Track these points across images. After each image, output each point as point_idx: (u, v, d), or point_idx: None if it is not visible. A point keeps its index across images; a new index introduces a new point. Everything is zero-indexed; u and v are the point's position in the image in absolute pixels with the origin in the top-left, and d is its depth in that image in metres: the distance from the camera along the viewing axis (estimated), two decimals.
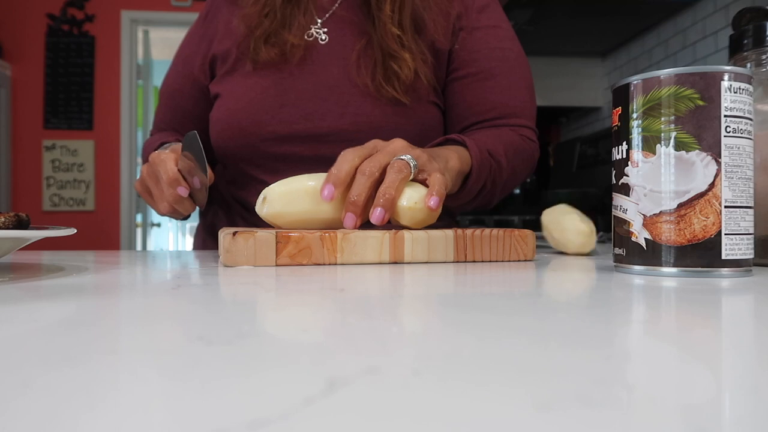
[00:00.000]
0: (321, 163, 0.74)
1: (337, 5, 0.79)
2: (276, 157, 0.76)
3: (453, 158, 0.65)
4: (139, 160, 3.77)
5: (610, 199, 0.47)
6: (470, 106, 0.80)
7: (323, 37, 0.78)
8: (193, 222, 5.70)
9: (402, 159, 0.55)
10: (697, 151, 0.41)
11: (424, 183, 0.57)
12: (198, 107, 0.84)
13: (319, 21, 0.78)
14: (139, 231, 3.83)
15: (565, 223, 0.62)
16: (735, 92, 0.41)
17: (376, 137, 0.73)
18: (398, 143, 0.58)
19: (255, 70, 0.77)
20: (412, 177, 0.55)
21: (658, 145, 0.42)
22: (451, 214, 0.87)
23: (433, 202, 0.53)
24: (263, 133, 0.76)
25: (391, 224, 0.57)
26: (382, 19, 0.74)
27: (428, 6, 0.78)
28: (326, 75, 0.76)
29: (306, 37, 0.77)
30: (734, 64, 0.55)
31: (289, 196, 0.54)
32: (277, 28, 0.75)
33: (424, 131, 0.79)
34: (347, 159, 0.55)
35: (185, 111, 0.85)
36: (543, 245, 0.75)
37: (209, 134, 0.82)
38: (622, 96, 0.45)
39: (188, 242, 5.57)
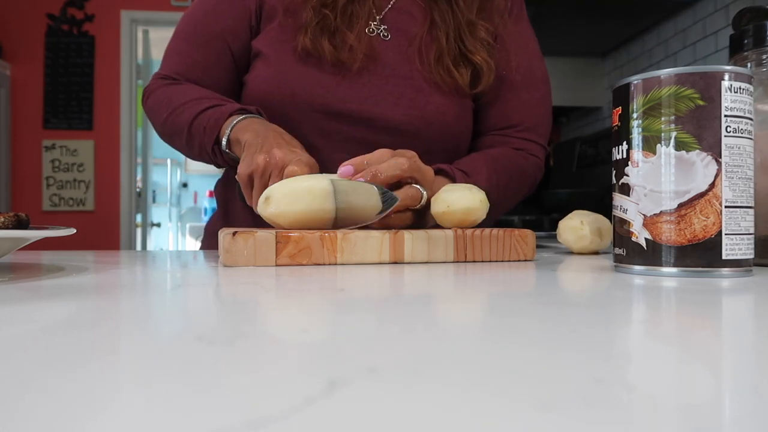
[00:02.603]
0: (363, 147, 0.73)
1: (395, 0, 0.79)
2: (321, 132, 0.75)
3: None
4: (139, 159, 3.79)
5: (610, 199, 0.47)
6: (488, 113, 0.83)
7: (384, 34, 0.78)
8: (195, 222, 5.70)
9: (418, 189, 0.59)
10: (698, 151, 0.41)
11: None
12: (243, 54, 0.79)
13: (378, 17, 0.78)
14: (139, 231, 3.83)
15: (571, 223, 0.63)
16: (735, 92, 0.41)
17: (424, 131, 0.76)
18: (430, 171, 0.61)
19: (307, 52, 0.75)
20: (416, 207, 0.59)
21: (659, 145, 0.42)
22: None
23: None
24: (315, 105, 0.74)
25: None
26: (457, 5, 0.77)
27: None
28: (384, 68, 0.77)
29: (368, 32, 0.77)
30: (734, 64, 0.54)
31: (292, 196, 0.54)
32: (338, 24, 0.74)
33: (464, 132, 0.81)
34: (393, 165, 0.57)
35: (229, 57, 0.78)
36: (545, 245, 0.75)
37: (232, 91, 0.79)
38: (622, 96, 0.45)
39: (188, 242, 5.56)
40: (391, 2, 0.79)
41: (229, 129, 0.69)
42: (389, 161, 0.57)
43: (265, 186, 0.62)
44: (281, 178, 0.59)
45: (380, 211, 0.55)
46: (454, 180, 0.71)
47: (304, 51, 0.74)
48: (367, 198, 0.55)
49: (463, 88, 0.77)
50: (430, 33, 0.78)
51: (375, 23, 0.78)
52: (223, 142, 0.69)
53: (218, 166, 0.77)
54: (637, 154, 0.43)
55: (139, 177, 3.82)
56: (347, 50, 0.74)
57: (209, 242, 0.87)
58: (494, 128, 0.83)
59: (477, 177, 0.73)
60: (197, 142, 0.73)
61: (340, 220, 0.55)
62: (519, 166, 0.80)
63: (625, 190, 0.44)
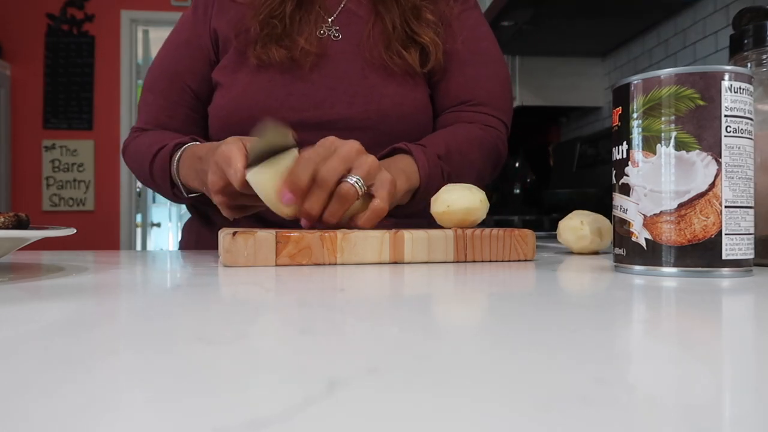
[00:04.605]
0: None
1: (344, 3, 0.81)
2: None
3: (401, 179, 0.65)
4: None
5: (610, 199, 0.47)
6: (439, 94, 0.84)
7: (335, 35, 0.80)
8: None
9: (349, 182, 0.55)
10: (698, 151, 0.41)
11: (371, 194, 0.58)
12: (203, 88, 0.82)
13: (330, 19, 0.80)
14: (139, 231, 3.83)
15: (571, 223, 0.63)
16: (735, 92, 0.41)
17: (383, 125, 0.77)
18: (353, 146, 0.57)
19: (261, 65, 0.77)
20: (358, 198, 0.56)
21: (659, 145, 0.42)
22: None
23: (364, 221, 0.56)
24: (273, 118, 0.75)
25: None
26: None
27: None
28: (336, 68, 0.78)
29: (318, 35, 0.79)
30: (734, 64, 0.54)
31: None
32: (286, 31, 0.76)
33: (424, 121, 0.82)
34: (307, 166, 0.54)
35: (190, 94, 0.82)
36: (545, 245, 0.75)
37: (200, 125, 0.82)
38: (622, 96, 0.45)
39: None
40: (341, 6, 0.81)
41: (177, 177, 0.72)
42: (316, 195, 0.54)
43: (240, 199, 0.60)
44: (233, 174, 0.56)
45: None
46: (411, 154, 0.70)
47: (257, 60, 0.76)
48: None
49: (414, 68, 0.78)
50: (377, 25, 0.79)
51: (327, 25, 0.80)
52: (182, 189, 0.73)
53: (184, 202, 0.80)
54: (637, 154, 0.43)
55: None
56: (298, 51, 0.76)
57: (186, 242, 0.90)
58: (446, 107, 0.83)
59: (433, 147, 0.73)
60: (164, 190, 0.77)
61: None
62: (476, 135, 0.80)
63: (625, 190, 0.44)
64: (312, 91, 0.77)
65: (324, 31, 0.79)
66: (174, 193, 0.75)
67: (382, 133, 0.77)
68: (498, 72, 0.85)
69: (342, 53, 0.79)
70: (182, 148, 0.72)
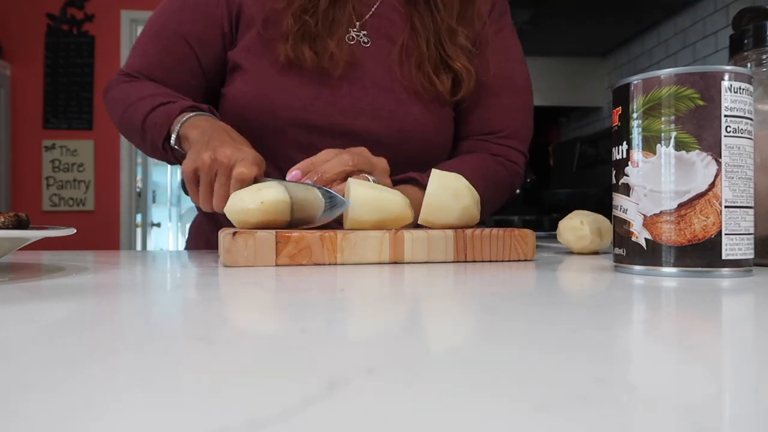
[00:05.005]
0: None
1: (377, 5, 0.79)
2: (300, 146, 0.74)
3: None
4: (139, 159, 3.78)
5: (610, 199, 0.47)
6: (468, 119, 0.82)
7: (365, 41, 0.77)
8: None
9: (365, 177, 0.60)
10: (698, 151, 0.41)
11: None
12: (212, 60, 0.77)
13: (358, 23, 0.78)
14: (139, 231, 3.83)
15: (571, 223, 0.63)
16: (735, 92, 0.41)
17: (405, 145, 0.76)
18: (382, 161, 0.63)
19: (288, 61, 0.74)
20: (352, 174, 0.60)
21: (659, 145, 0.42)
22: None
23: None
24: (296, 119, 0.74)
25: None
26: (437, 11, 0.76)
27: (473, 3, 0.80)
28: (364, 77, 0.76)
29: (348, 40, 0.77)
30: (734, 64, 0.54)
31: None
32: (318, 31, 0.73)
33: (445, 143, 0.81)
34: (308, 164, 0.60)
35: (190, 60, 0.77)
36: (545, 245, 0.75)
37: (182, 91, 0.77)
38: (622, 96, 0.45)
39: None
40: (372, 8, 0.79)
41: (179, 125, 0.68)
42: (333, 160, 0.58)
43: (211, 184, 0.60)
44: (228, 178, 0.59)
45: (324, 211, 0.55)
46: (424, 188, 0.68)
47: (285, 60, 0.73)
48: (314, 203, 0.55)
49: (443, 96, 0.77)
50: (411, 39, 0.77)
51: (355, 30, 0.77)
52: (172, 138, 0.68)
53: (170, 162, 0.76)
54: (637, 154, 0.43)
55: (139, 177, 3.81)
56: (328, 57, 0.74)
57: (194, 243, 0.89)
58: (474, 134, 0.82)
59: None
60: (149, 138, 0.72)
61: (294, 221, 0.55)
62: (496, 173, 0.79)
63: (625, 190, 0.44)
64: (338, 97, 0.75)
65: (353, 37, 0.77)
66: (163, 146, 0.71)
67: (403, 152, 0.75)
68: (526, 102, 0.84)
69: (371, 63, 0.77)
70: (201, 113, 0.69)
